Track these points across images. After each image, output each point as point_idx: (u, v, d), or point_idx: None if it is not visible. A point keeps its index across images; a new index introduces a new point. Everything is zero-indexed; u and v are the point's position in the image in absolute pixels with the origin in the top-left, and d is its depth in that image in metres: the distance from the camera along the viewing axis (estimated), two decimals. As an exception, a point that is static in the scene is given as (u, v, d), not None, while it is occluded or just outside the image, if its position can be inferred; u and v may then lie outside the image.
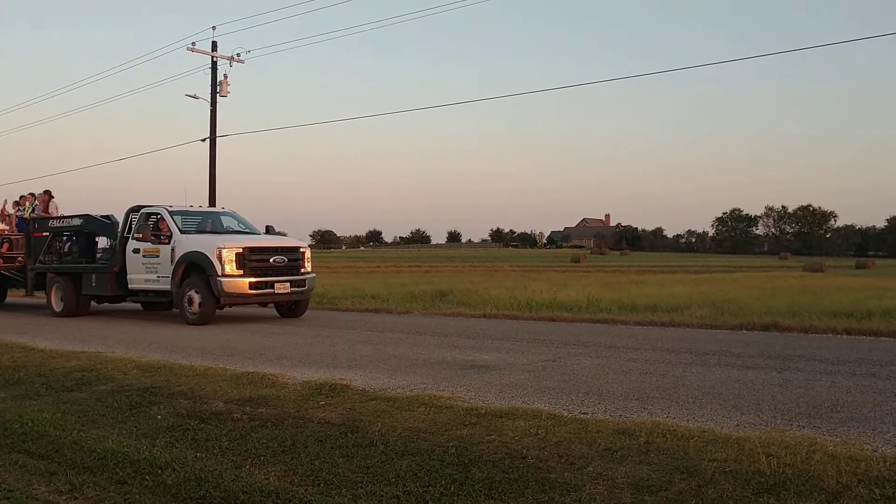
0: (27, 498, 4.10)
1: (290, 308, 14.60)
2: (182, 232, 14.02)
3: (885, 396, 5.94)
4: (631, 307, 14.60)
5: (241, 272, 13.18)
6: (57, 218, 17.59)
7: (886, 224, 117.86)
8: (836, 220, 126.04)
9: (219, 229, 14.94)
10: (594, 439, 4.68)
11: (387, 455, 4.50)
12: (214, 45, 25.62)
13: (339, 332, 11.66)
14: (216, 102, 25.51)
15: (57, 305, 16.11)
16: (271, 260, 13.61)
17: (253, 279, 13.27)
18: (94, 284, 15.33)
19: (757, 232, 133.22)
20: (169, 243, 13.87)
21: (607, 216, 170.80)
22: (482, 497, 3.79)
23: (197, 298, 13.27)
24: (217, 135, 25.52)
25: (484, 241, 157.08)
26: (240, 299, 13.51)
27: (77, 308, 15.80)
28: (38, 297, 20.01)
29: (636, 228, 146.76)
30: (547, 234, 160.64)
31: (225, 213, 15.81)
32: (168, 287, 13.80)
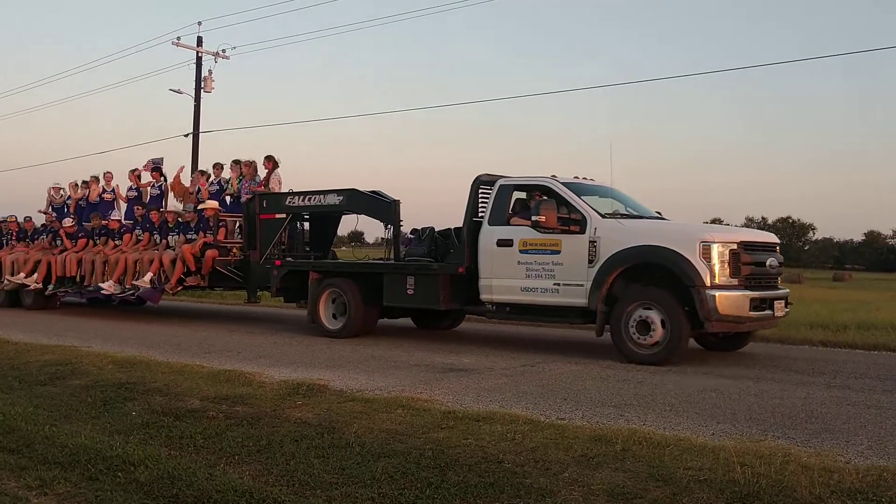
0: (-4, 493, 4.04)
1: (731, 338, 9.46)
2: (603, 216, 9.13)
3: (859, 409, 5.99)
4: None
5: (735, 282, 8.38)
6: (299, 194, 12.38)
7: (864, 238, 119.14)
8: (814, 233, 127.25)
9: (638, 212, 9.90)
10: (571, 445, 4.68)
11: (363, 457, 4.47)
12: (200, 41, 25.54)
13: (317, 333, 11.60)
14: (200, 98, 25.39)
15: (329, 320, 11.06)
16: (767, 263, 8.85)
17: (754, 294, 8.49)
18: (408, 291, 10.27)
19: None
20: (582, 232, 8.93)
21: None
22: (457, 501, 3.78)
23: (658, 323, 8.34)
24: (200, 130, 25.38)
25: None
26: (732, 325, 8.54)
27: (364, 324, 10.89)
28: (231, 302, 17.16)
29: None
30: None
31: (608, 189, 10.18)
32: (578, 301, 8.90)
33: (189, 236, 13.27)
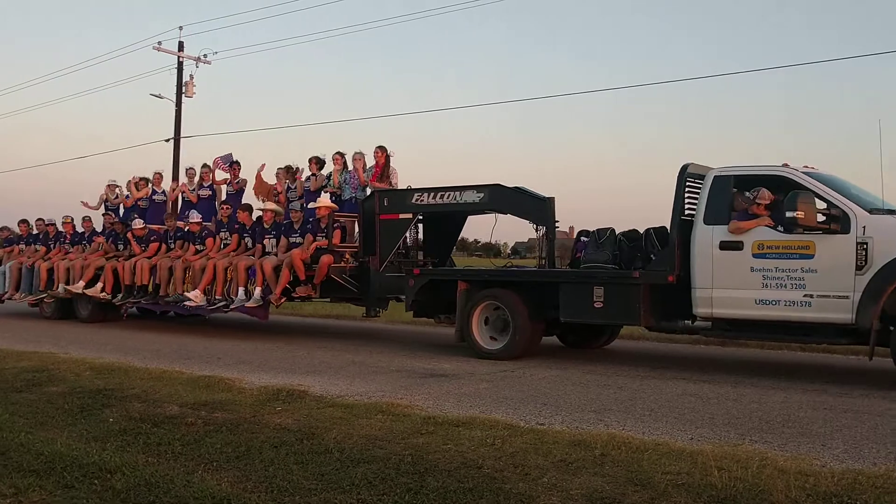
0: (-31, 501, 3.99)
1: None
2: (871, 212, 7.44)
3: (836, 413, 6.05)
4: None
5: None
6: (429, 191, 10.54)
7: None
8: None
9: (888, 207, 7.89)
10: (550, 450, 4.69)
11: (342, 462, 4.46)
12: (181, 46, 25.41)
13: (299, 338, 11.55)
14: (181, 103, 25.27)
15: (485, 339, 9.32)
16: None
17: None
18: (595, 304, 8.51)
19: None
20: (845, 231, 7.28)
21: (571, 228, 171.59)
22: (436, 506, 3.77)
23: None
24: (182, 135, 25.26)
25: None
26: None
27: (531, 343, 9.26)
28: (341, 314, 14.93)
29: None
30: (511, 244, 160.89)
31: (842, 182, 8.07)
32: (839, 316, 7.29)
33: (293, 239, 11.36)
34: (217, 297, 11.76)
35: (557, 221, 9.78)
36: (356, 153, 11.92)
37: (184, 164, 24.19)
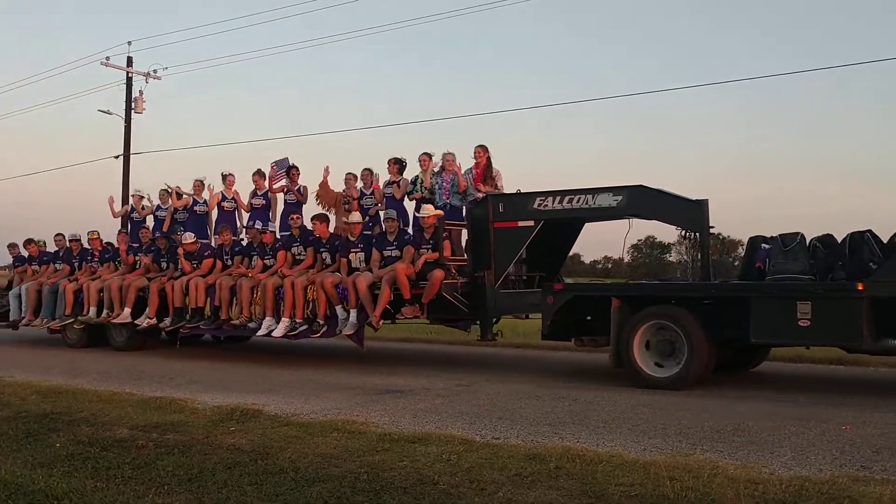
0: None
1: None
2: None
3: (784, 420, 6.17)
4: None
5: None
6: (555, 195, 9.29)
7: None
8: (743, 249, 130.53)
9: None
10: (505, 465, 4.71)
11: (297, 482, 4.42)
12: (130, 61, 25.05)
13: (255, 356, 11.42)
14: (131, 119, 24.89)
15: (649, 364, 8.09)
16: None
17: None
18: (800, 322, 7.28)
19: (671, 259, 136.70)
20: None
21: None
22: (392, 524, 3.76)
23: None
24: (132, 152, 24.88)
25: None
26: None
27: (708, 368, 8.06)
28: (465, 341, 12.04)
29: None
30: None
31: None
32: None
33: (388, 252, 9.89)
34: (298, 321, 10.20)
35: (713, 227, 8.81)
36: (447, 153, 10.67)
37: (134, 181, 23.98)
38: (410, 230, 10.49)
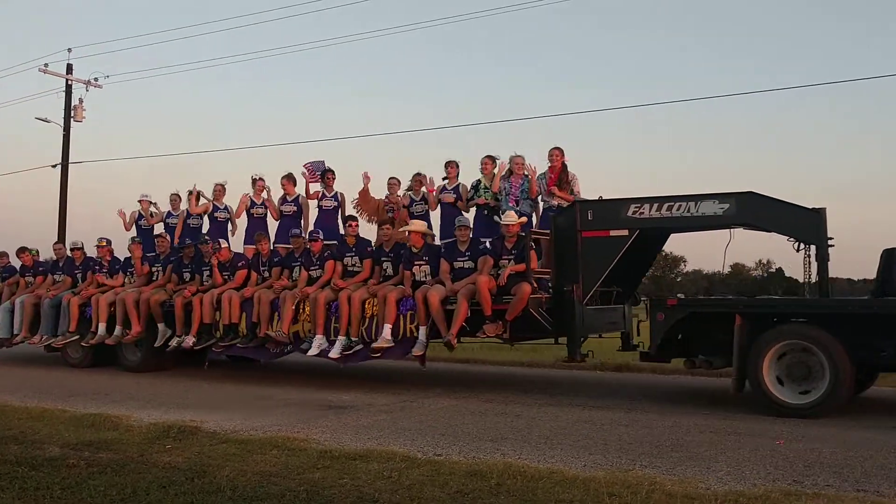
0: None
1: None
2: None
3: (720, 435, 6.30)
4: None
5: None
6: (655, 201, 8.49)
7: (730, 269, 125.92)
8: (685, 265, 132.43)
9: None
10: (446, 481, 4.69)
11: (234, 501, 4.33)
12: (70, 68, 24.57)
13: (197, 371, 11.18)
14: (70, 127, 24.35)
15: (779, 389, 7.35)
16: None
17: None
18: None
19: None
20: None
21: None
22: (330, 544, 3.71)
23: None
24: (70, 161, 24.32)
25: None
26: None
27: (850, 393, 7.44)
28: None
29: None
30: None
31: None
32: None
33: (459, 264, 8.97)
34: (354, 340, 9.16)
35: (831, 238, 8.11)
36: (516, 156, 9.86)
37: (73, 191, 23.39)
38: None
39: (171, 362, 11.21)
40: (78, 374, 10.99)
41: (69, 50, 24.92)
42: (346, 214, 10.52)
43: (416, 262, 9.21)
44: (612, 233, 8.60)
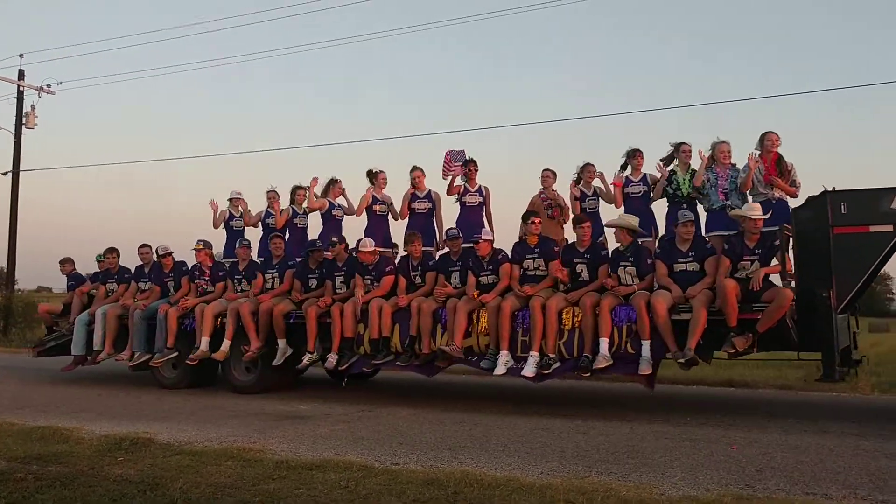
0: None
1: None
2: None
3: (676, 442, 6.37)
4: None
5: None
6: None
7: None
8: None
9: None
10: (403, 490, 4.68)
11: (187, 514, 4.26)
12: (21, 74, 24.11)
13: (149, 382, 10.98)
14: (21, 134, 23.86)
15: None
16: None
17: None
18: None
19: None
20: None
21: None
22: (285, 555, 3.67)
23: None
24: (21, 168, 23.81)
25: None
26: None
27: None
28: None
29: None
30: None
31: None
32: None
33: (681, 266, 7.83)
34: (550, 357, 7.95)
35: None
36: (721, 142, 8.74)
37: (24, 200, 22.89)
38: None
39: (291, 381, 10.19)
40: (29, 385, 10.72)
41: (21, 56, 24.49)
42: (527, 210, 9.17)
43: (621, 263, 8.07)
44: (873, 229, 7.29)
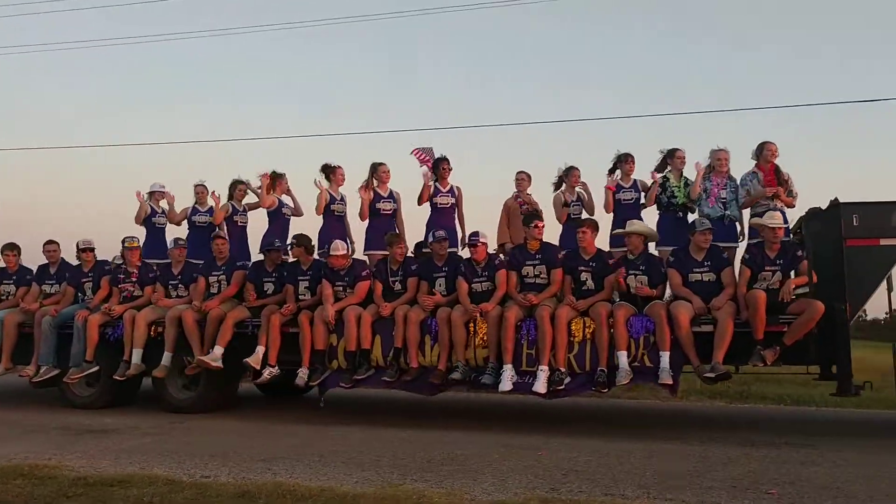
0: None
1: None
2: None
3: (491, 448, 6.53)
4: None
5: None
6: None
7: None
8: None
9: None
10: (212, 504, 4.52)
11: (-36, 538, 3.89)
12: None
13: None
14: None
15: None
16: None
17: None
18: None
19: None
20: None
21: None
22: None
23: None
24: None
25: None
26: None
27: None
28: None
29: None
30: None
31: None
32: None
33: (696, 276, 7.55)
34: (561, 372, 7.43)
35: None
36: (719, 150, 8.50)
37: None
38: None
39: (235, 399, 9.14)
40: None
41: None
42: (529, 213, 8.56)
43: (632, 272, 7.68)
44: (883, 242, 7.35)
